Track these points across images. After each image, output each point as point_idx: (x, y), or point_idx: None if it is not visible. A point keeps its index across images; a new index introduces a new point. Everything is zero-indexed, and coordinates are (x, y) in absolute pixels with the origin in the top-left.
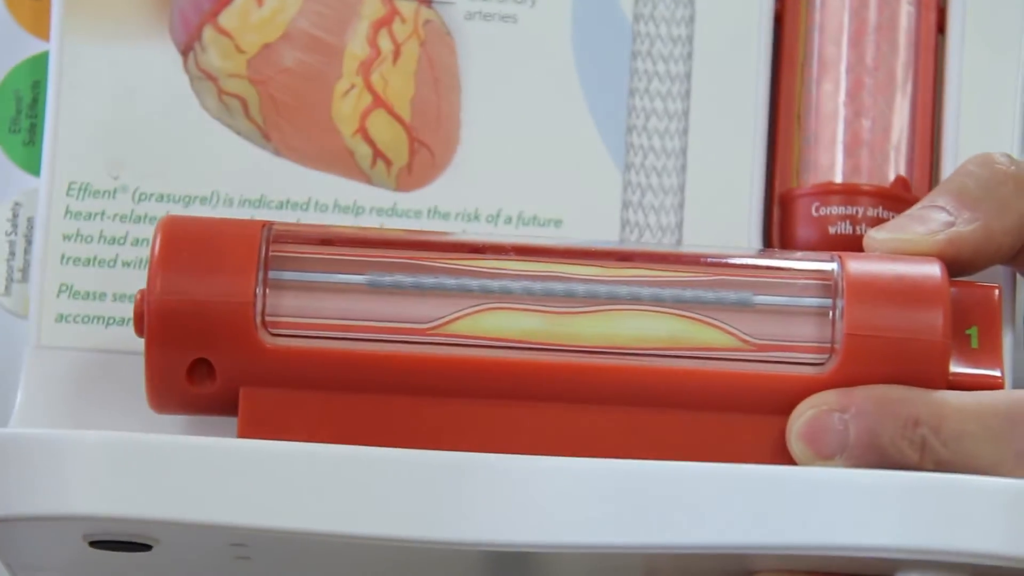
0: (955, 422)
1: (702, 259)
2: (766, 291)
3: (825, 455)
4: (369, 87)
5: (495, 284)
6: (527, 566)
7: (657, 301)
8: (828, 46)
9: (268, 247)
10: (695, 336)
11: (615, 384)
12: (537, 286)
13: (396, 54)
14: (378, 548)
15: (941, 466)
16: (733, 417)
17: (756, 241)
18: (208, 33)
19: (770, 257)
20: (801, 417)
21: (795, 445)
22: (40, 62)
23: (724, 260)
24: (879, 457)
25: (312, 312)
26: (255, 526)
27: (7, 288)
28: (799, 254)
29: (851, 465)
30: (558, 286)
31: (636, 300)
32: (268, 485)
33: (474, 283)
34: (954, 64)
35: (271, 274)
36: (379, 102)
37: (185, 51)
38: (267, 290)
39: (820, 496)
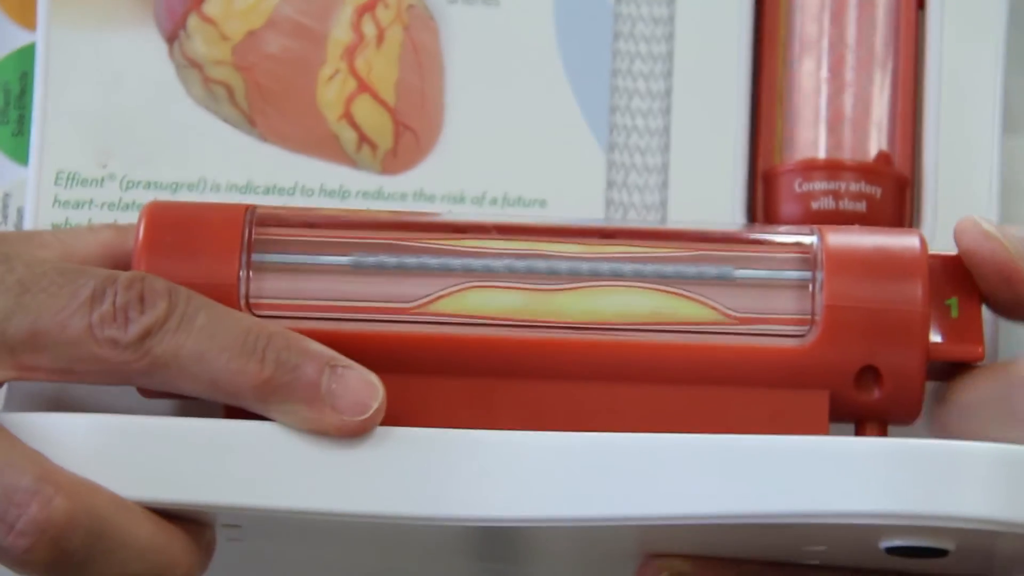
0: None
1: (683, 235)
2: (746, 265)
3: None
4: (353, 72)
5: (477, 263)
6: (512, 542)
7: (639, 277)
8: (809, 23)
9: (251, 230)
10: (677, 310)
11: (597, 359)
12: (519, 264)
13: (380, 39)
14: (365, 526)
15: None
16: (715, 390)
17: (740, 218)
18: (193, 21)
19: (750, 231)
20: None
21: None
22: (27, 53)
23: (705, 235)
24: None
25: (296, 293)
26: (240, 505)
27: None
28: (779, 228)
29: None
30: (540, 263)
31: (618, 276)
32: (254, 465)
33: (457, 262)
34: (934, 39)
35: (255, 256)
36: (363, 87)
37: (170, 39)
38: (251, 272)
39: (804, 464)
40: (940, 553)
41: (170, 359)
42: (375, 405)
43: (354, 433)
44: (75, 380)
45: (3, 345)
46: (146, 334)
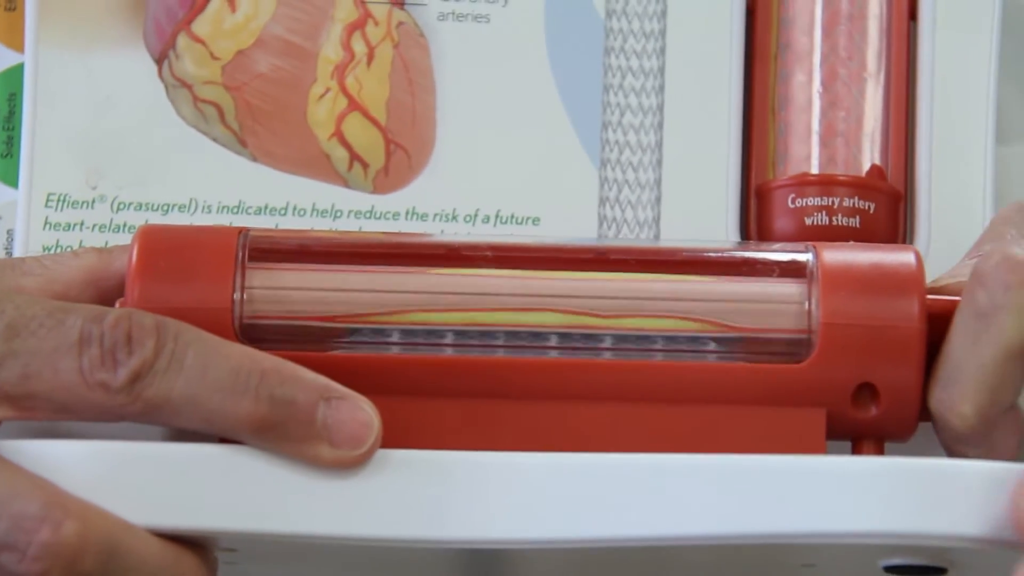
0: None
1: (679, 253)
2: (742, 283)
3: None
4: (344, 90)
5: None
6: (509, 563)
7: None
8: (800, 37)
9: (244, 253)
10: (674, 329)
11: (594, 379)
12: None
13: (370, 57)
14: (362, 549)
15: None
16: (712, 408)
17: (734, 233)
18: (182, 41)
19: (746, 249)
20: None
21: None
22: (16, 74)
23: (701, 254)
24: None
25: (290, 316)
26: (239, 530)
27: None
28: (775, 245)
29: None
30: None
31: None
32: (253, 490)
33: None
34: (926, 51)
35: (248, 279)
36: (354, 105)
37: (160, 59)
38: (244, 295)
39: (803, 485)
40: (938, 571)
41: (162, 402)
42: (371, 438)
43: (350, 466)
44: (73, 419)
45: None
46: (135, 377)
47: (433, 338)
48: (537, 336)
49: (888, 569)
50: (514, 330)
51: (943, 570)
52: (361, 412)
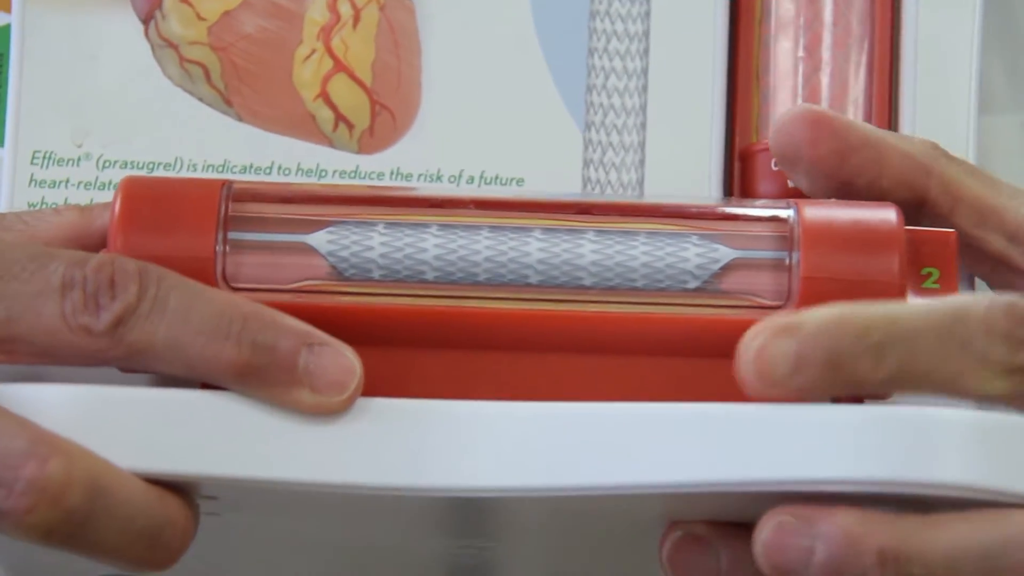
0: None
1: (660, 208)
2: (724, 237)
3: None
4: (330, 52)
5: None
6: (493, 515)
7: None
8: (785, 2)
9: (228, 204)
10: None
11: (574, 330)
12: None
13: (356, 18)
14: (344, 499)
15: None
16: (693, 361)
17: (717, 195)
18: (168, 1)
19: (727, 205)
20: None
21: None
22: (2, 35)
23: (682, 208)
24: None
25: (272, 266)
26: (222, 476)
27: None
28: (756, 202)
29: (807, 386)
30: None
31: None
32: (235, 436)
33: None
34: (911, 17)
35: (231, 230)
36: (340, 66)
37: (146, 19)
38: (227, 246)
39: (786, 431)
40: None
41: (145, 346)
42: (353, 384)
43: (332, 412)
44: (55, 363)
45: None
46: (118, 322)
47: (417, 232)
48: (520, 231)
49: None
50: (498, 225)
51: None
52: (343, 358)
